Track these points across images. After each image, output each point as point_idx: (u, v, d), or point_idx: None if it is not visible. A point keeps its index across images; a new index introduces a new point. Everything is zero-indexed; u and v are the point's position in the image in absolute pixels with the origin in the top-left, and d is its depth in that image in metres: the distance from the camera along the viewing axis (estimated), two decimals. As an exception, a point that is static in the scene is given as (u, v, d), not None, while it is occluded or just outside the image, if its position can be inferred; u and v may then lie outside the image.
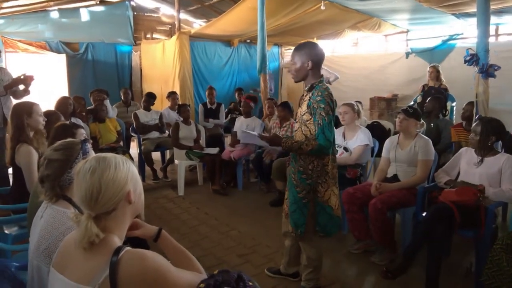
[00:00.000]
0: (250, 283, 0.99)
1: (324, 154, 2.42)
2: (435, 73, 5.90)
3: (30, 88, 4.27)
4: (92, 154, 1.80)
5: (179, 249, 1.51)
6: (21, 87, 4.28)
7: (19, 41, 7.90)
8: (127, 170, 1.30)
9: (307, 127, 2.44)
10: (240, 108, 6.09)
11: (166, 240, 1.52)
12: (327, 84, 2.51)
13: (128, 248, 1.22)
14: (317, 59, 2.46)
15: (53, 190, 1.67)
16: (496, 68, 3.70)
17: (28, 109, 2.93)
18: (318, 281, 2.75)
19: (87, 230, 1.20)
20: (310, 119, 2.42)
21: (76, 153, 1.74)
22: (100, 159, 1.28)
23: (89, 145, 1.83)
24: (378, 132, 4.89)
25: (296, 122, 2.59)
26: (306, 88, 2.52)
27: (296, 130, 2.57)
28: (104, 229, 1.24)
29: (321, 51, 2.51)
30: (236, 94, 7.50)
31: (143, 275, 1.17)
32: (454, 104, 5.93)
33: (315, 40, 9.04)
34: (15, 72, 4.39)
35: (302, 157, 2.48)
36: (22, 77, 4.17)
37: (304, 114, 2.47)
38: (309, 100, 2.45)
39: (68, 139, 1.85)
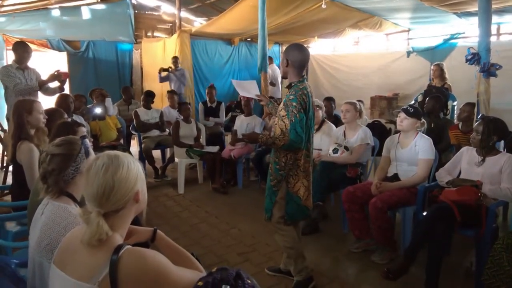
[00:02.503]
0: (249, 281, 0.99)
1: (296, 148, 2.57)
2: (439, 72, 5.87)
3: (64, 85, 4.48)
4: (91, 151, 1.81)
5: (177, 248, 1.51)
6: (55, 84, 4.43)
7: (21, 39, 7.89)
8: (137, 169, 1.32)
9: (283, 122, 2.57)
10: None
11: (162, 240, 1.53)
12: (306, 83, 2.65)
13: (128, 246, 1.23)
14: (294, 60, 2.60)
15: (57, 185, 1.68)
16: (497, 67, 3.69)
17: (29, 106, 2.93)
18: (308, 269, 2.80)
19: (98, 228, 1.20)
20: (285, 115, 2.55)
21: (78, 147, 1.74)
22: (113, 157, 1.28)
23: (88, 142, 1.83)
24: (379, 131, 4.89)
25: (276, 117, 2.73)
26: (286, 86, 2.72)
27: (275, 124, 2.70)
28: (110, 227, 1.24)
29: (302, 53, 2.64)
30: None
31: (143, 274, 1.17)
32: (455, 103, 5.92)
33: (316, 39, 9.07)
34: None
35: (278, 149, 2.64)
36: (55, 73, 4.31)
37: (281, 110, 2.61)
38: (285, 97, 2.63)
39: (68, 136, 1.85)
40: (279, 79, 7.95)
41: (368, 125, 4.92)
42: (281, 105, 2.66)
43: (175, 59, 7.56)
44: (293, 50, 2.64)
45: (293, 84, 2.62)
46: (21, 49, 4.37)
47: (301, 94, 2.54)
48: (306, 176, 2.69)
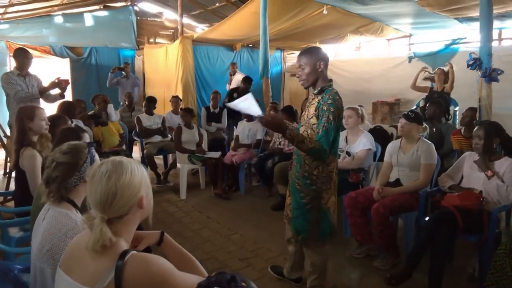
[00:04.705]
0: (243, 284, 0.98)
1: (320, 158, 2.36)
2: (443, 76, 5.88)
3: (65, 92, 4.46)
4: (97, 158, 1.81)
5: (182, 252, 1.51)
6: (56, 91, 4.44)
7: (24, 45, 7.94)
8: (141, 175, 1.31)
9: (313, 131, 2.39)
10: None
11: (169, 243, 1.53)
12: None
13: (134, 252, 1.23)
14: (326, 61, 2.44)
15: (59, 192, 1.68)
16: (499, 72, 3.70)
17: (30, 113, 2.93)
18: (324, 287, 2.73)
19: (102, 234, 1.20)
20: (317, 123, 2.38)
21: (84, 156, 1.74)
22: (116, 163, 1.28)
23: (94, 150, 1.84)
24: (381, 137, 4.89)
25: (301, 125, 2.55)
26: (316, 91, 2.47)
27: (301, 134, 2.52)
28: (115, 233, 1.24)
29: (326, 54, 2.51)
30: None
31: (148, 279, 1.17)
32: (457, 108, 5.93)
33: (318, 45, 9.07)
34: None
35: (307, 162, 2.43)
36: (56, 80, 4.31)
37: (312, 117, 2.41)
38: (318, 102, 2.40)
39: (75, 142, 1.84)
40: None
41: (370, 131, 4.92)
42: (311, 111, 2.44)
43: (126, 65, 7.64)
44: (322, 52, 2.46)
45: (324, 89, 2.42)
46: (22, 55, 4.37)
47: (338, 99, 2.36)
48: (335, 191, 2.52)
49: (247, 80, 6.92)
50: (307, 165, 2.43)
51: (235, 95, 6.86)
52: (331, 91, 2.40)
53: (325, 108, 2.32)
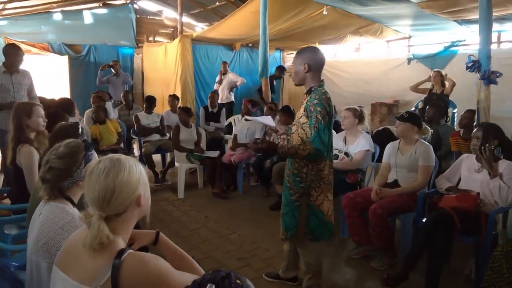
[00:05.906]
0: (238, 281, 0.98)
1: (320, 158, 2.40)
2: (439, 78, 5.90)
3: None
4: (95, 157, 1.80)
5: (178, 251, 1.51)
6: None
7: (22, 42, 7.91)
8: (139, 173, 1.31)
9: (303, 130, 2.43)
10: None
11: (164, 243, 1.53)
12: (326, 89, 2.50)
13: (131, 250, 1.23)
14: (314, 63, 2.46)
15: (52, 192, 1.69)
16: (498, 74, 3.71)
17: (28, 110, 2.92)
18: (320, 287, 2.73)
19: (99, 232, 1.20)
20: (307, 122, 2.41)
21: (78, 162, 1.73)
22: (114, 161, 1.28)
23: (92, 153, 1.81)
24: (387, 138, 4.83)
25: (294, 124, 2.59)
26: (305, 91, 2.54)
27: (293, 133, 2.57)
28: (112, 231, 1.24)
29: (320, 55, 2.52)
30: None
31: (145, 278, 1.17)
32: (455, 110, 5.94)
33: (317, 45, 9.08)
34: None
35: (297, 160, 2.47)
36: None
37: (301, 117, 2.46)
38: (306, 103, 2.46)
39: (73, 143, 1.80)
40: (238, 83, 7.93)
41: (378, 132, 4.92)
42: (301, 111, 2.50)
43: (115, 62, 7.60)
44: (312, 53, 2.50)
45: (313, 89, 2.45)
46: (14, 53, 4.25)
47: (325, 98, 2.37)
48: (330, 189, 2.52)
49: (280, 68, 8.32)
50: (297, 163, 2.48)
51: (274, 82, 7.54)
52: (319, 91, 2.43)
53: (312, 109, 2.37)
